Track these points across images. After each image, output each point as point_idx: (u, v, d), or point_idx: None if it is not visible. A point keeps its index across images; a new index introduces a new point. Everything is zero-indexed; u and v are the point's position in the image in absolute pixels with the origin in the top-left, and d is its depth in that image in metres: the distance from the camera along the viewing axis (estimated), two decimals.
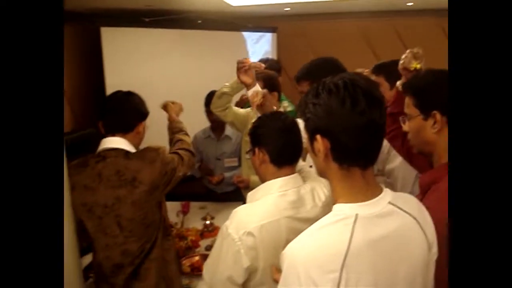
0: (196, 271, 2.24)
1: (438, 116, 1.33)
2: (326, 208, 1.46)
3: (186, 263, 2.31)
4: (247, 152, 1.65)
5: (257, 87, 2.18)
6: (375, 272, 0.95)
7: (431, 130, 1.36)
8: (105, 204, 1.74)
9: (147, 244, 1.82)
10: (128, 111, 1.85)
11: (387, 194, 1.03)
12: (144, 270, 1.83)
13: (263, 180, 1.56)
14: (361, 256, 0.94)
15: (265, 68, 3.22)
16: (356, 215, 0.97)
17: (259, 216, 1.45)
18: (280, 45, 4.83)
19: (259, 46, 4.76)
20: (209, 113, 3.13)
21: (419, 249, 1.05)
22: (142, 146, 1.90)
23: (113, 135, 1.81)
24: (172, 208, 2.93)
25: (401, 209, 1.03)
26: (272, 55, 4.77)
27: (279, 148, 1.51)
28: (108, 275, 1.83)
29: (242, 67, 2.20)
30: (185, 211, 2.93)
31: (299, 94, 1.95)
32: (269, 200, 1.49)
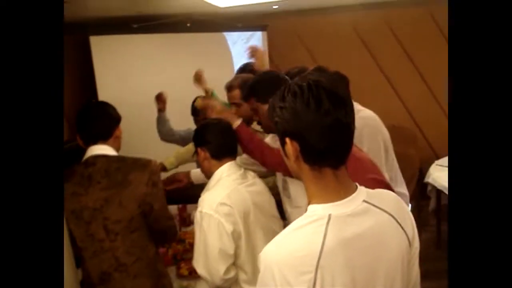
0: (194, 274, 2.25)
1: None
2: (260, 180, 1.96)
3: (184, 266, 2.33)
4: (192, 156, 2.06)
5: None
6: (351, 271, 0.96)
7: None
8: (94, 207, 1.78)
9: (134, 251, 1.83)
10: (104, 119, 1.91)
11: (361, 192, 1.04)
12: (134, 279, 1.83)
13: (210, 174, 1.87)
14: (335, 256, 0.95)
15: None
16: (329, 215, 0.98)
17: (222, 191, 1.75)
18: (271, 43, 4.83)
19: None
20: (197, 121, 3.14)
21: (398, 246, 1.05)
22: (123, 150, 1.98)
23: (94, 144, 1.86)
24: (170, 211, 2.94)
25: (376, 206, 1.04)
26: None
27: (218, 145, 1.86)
28: (96, 284, 1.84)
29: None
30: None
31: (250, 111, 2.09)
32: (223, 180, 1.81)
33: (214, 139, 1.86)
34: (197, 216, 1.72)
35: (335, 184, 1.01)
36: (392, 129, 4.73)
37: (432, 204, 3.85)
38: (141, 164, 1.85)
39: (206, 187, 1.86)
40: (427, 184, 3.78)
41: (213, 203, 1.70)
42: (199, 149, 1.89)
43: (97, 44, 3.58)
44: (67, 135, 3.55)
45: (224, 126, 1.91)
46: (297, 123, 0.97)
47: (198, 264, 1.75)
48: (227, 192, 1.73)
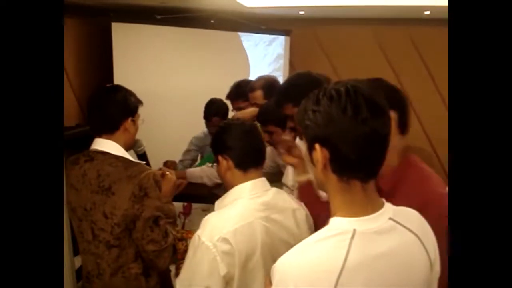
0: None
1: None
2: (295, 212, 1.54)
3: None
4: (212, 165, 1.75)
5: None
6: None
7: None
8: (84, 207, 1.67)
9: (114, 266, 1.69)
10: (109, 109, 1.69)
11: (388, 209, 0.98)
12: None
13: (230, 187, 1.54)
14: (357, 274, 0.88)
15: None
16: (354, 230, 0.91)
17: (232, 221, 1.42)
18: (293, 49, 4.77)
19: (271, 49, 4.71)
20: (209, 125, 3.07)
21: (420, 268, 0.99)
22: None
23: (99, 136, 1.70)
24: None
25: (402, 225, 0.98)
26: (285, 59, 4.73)
27: (243, 152, 1.51)
28: (84, 280, 1.78)
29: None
30: (186, 213, 2.88)
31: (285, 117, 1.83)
32: (240, 204, 1.47)
33: (238, 143, 1.52)
34: (195, 238, 1.45)
35: (362, 198, 0.95)
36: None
37: None
38: (129, 175, 1.63)
39: (220, 202, 1.56)
40: None
41: (215, 234, 1.40)
42: (220, 158, 1.54)
43: (119, 31, 3.55)
44: (78, 120, 3.52)
45: (249, 127, 1.57)
46: (330, 129, 0.91)
47: (180, 286, 1.49)
48: (236, 227, 1.41)
